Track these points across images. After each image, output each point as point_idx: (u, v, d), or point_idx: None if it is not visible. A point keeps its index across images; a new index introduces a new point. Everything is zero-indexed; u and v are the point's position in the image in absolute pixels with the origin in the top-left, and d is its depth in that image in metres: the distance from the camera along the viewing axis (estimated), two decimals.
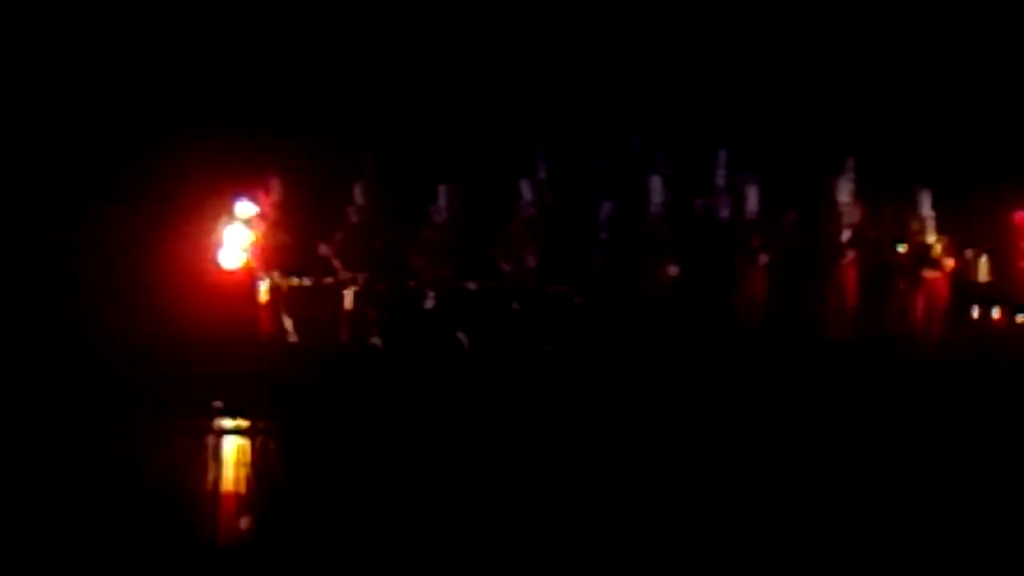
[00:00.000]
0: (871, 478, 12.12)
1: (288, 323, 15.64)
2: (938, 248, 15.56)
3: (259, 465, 12.59)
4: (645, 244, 15.78)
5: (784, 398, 14.40)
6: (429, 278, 15.59)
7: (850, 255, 15.67)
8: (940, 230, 15.60)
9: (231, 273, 15.64)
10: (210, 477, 11.85)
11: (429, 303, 15.52)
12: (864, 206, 15.80)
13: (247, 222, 15.72)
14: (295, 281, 15.73)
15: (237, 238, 15.67)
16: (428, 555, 9.24)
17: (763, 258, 15.65)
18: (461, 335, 15.32)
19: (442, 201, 15.80)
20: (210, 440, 13.25)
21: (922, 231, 15.64)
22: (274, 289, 15.64)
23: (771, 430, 13.84)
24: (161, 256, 15.14)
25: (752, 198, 15.82)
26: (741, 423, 13.95)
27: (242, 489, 11.63)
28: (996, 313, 15.25)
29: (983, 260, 15.58)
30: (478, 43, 16.74)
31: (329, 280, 15.71)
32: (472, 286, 15.62)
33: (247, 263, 15.68)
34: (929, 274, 15.56)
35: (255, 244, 15.70)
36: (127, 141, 15.49)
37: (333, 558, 9.19)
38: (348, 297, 15.61)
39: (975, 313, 15.28)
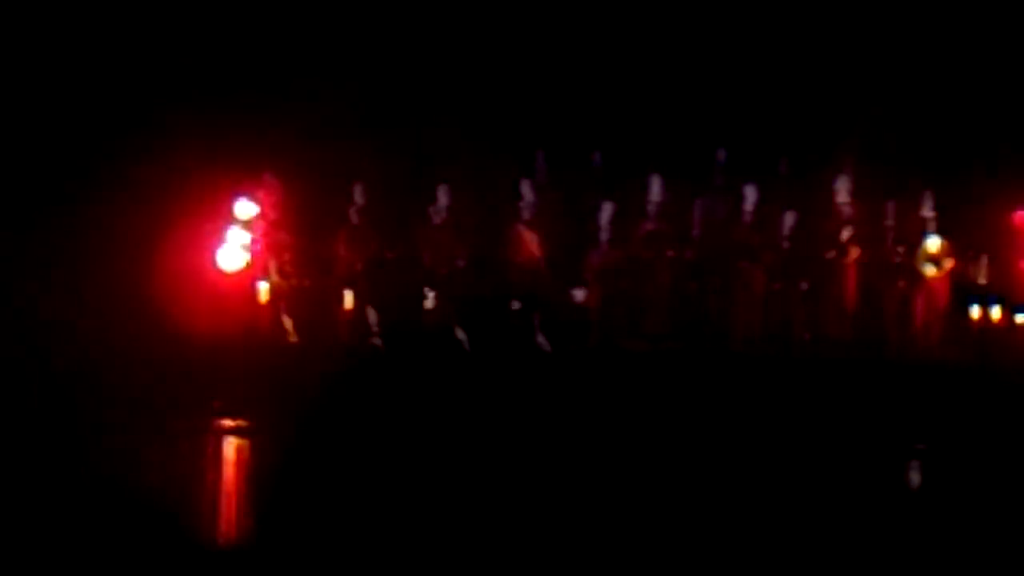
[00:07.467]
0: (868, 477, 12.15)
1: (288, 323, 15.64)
2: (938, 248, 15.55)
3: (259, 465, 12.59)
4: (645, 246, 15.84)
5: (782, 398, 14.43)
6: (429, 278, 15.60)
7: (850, 255, 15.69)
8: (940, 230, 15.59)
9: (231, 274, 15.64)
10: (210, 477, 11.86)
11: (429, 303, 15.53)
12: (864, 206, 15.81)
13: (247, 222, 15.73)
14: (295, 281, 15.74)
15: (237, 238, 15.68)
16: (426, 555, 9.25)
17: (763, 258, 15.69)
18: (461, 335, 15.32)
19: (442, 201, 15.80)
20: (210, 440, 13.25)
21: (922, 231, 15.64)
22: (274, 289, 15.65)
23: (768, 432, 13.87)
24: (161, 256, 15.14)
25: (751, 198, 15.84)
26: (738, 423, 13.98)
27: (242, 489, 11.63)
28: (996, 313, 15.24)
29: (983, 260, 15.57)
30: (478, 43, 16.75)
31: (329, 280, 15.71)
32: (472, 285, 15.64)
33: (247, 263, 15.68)
34: (929, 274, 15.56)
35: (255, 244, 15.71)
36: (128, 142, 15.48)
37: (332, 558, 9.20)
38: (348, 297, 15.62)
39: (975, 313, 15.27)
